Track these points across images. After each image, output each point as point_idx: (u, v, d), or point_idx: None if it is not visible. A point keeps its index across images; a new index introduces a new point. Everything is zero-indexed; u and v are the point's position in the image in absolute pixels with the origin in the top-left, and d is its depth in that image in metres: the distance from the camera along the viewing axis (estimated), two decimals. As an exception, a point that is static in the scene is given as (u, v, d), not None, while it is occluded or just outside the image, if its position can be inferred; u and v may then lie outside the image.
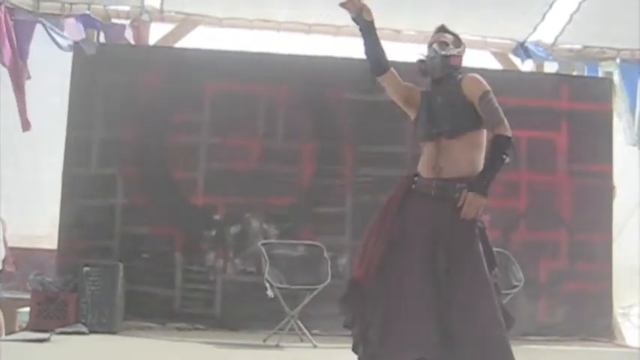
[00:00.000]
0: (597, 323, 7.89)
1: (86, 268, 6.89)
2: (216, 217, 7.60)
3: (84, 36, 7.66)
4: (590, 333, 7.80)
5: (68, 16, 7.72)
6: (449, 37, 4.26)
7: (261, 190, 7.60)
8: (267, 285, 6.65)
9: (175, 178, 7.61)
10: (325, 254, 7.05)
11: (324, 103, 7.81)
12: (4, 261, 7.35)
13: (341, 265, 7.48)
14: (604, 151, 8.18)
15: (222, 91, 7.68)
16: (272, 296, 6.63)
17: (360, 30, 4.26)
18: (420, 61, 4.27)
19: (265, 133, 7.75)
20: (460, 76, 4.17)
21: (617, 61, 8.56)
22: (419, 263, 3.94)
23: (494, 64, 8.53)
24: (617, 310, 8.28)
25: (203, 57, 7.73)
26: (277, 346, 6.54)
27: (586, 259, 7.93)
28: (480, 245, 4.00)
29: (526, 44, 8.45)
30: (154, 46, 8.11)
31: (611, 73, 8.53)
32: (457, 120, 4.09)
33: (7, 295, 7.49)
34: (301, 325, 6.70)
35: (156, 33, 8.18)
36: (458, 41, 4.29)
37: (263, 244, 7.11)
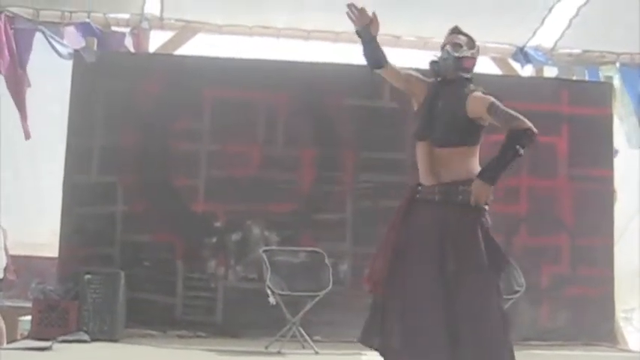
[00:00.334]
0: (599, 328, 7.86)
1: (87, 276, 6.88)
2: (217, 224, 7.60)
3: (84, 44, 7.67)
4: (593, 338, 7.78)
5: (68, 24, 7.74)
6: (462, 39, 4.26)
7: (261, 197, 7.60)
8: (269, 292, 6.64)
9: (176, 186, 7.60)
10: (326, 261, 7.03)
11: (323, 109, 7.81)
12: (5, 269, 7.36)
13: (342, 272, 7.48)
14: (605, 156, 8.17)
15: (222, 98, 7.68)
16: (274, 303, 6.62)
17: (362, 41, 4.27)
18: (433, 62, 4.27)
19: (265, 140, 7.75)
20: (471, 87, 4.15)
21: (617, 65, 8.57)
22: (429, 269, 3.95)
23: (493, 70, 8.53)
24: (619, 314, 8.27)
25: (203, 64, 7.74)
26: (279, 353, 6.53)
27: (587, 263, 7.91)
28: (482, 246, 4.00)
29: (525, 49, 8.46)
30: (154, 54, 8.12)
31: (611, 78, 8.53)
32: (449, 132, 4.10)
33: (8, 303, 7.49)
34: (303, 331, 6.69)
35: (156, 40, 8.18)
36: (472, 43, 4.28)
37: (264, 251, 7.10)
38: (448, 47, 4.22)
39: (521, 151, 4.01)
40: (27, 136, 7.44)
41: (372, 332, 4.11)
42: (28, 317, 6.98)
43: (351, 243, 7.57)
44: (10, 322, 7.29)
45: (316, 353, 6.57)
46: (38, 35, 7.49)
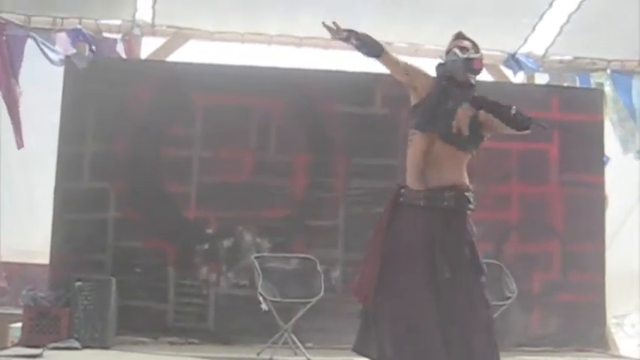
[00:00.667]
0: (591, 334, 7.88)
1: (78, 283, 6.86)
2: (209, 230, 7.58)
3: (75, 50, 7.66)
4: (584, 343, 7.78)
5: (59, 30, 7.72)
6: (467, 44, 4.30)
7: (253, 203, 7.60)
8: (261, 298, 6.63)
9: (168, 192, 7.59)
10: (318, 267, 7.03)
11: (315, 115, 7.81)
12: (-5, 276, 7.35)
13: (334, 279, 7.47)
14: (596, 162, 8.19)
15: (213, 105, 7.68)
16: (266, 310, 6.62)
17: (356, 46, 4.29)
18: (440, 64, 4.29)
19: (257, 146, 7.74)
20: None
21: (608, 71, 8.59)
22: (418, 277, 3.97)
23: (485, 76, 8.53)
24: (611, 320, 8.28)
25: (195, 70, 7.74)
26: (271, 360, 6.54)
27: (579, 269, 7.92)
28: (468, 253, 4.04)
29: (517, 56, 8.48)
30: (146, 60, 8.11)
31: (602, 84, 8.56)
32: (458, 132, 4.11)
33: (-1, 310, 7.48)
34: (295, 338, 6.68)
35: (147, 47, 8.17)
36: (477, 47, 4.33)
37: (256, 258, 7.09)
38: (456, 50, 4.25)
39: (514, 111, 4.05)
40: (19, 145, 7.44)
41: (366, 341, 4.11)
42: (19, 324, 6.95)
43: (343, 249, 7.56)
44: (1, 329, 7.27)
45: (308, 360, 6.58)
46: (29, 42, 7.48)
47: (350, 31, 4.20)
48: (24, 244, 7.83)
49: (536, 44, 8.43)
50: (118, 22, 7.99)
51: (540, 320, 7.84)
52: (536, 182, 8.01)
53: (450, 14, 7.48)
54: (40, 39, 7.50)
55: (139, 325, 7.30)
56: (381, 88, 7.65)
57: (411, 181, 4.17)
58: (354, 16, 6.40)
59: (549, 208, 8.04)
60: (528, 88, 8.60)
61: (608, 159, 8.25)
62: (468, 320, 3.93)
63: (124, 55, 7.97)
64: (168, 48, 8.16)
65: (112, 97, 7.56)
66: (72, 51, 7.64)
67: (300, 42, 8.23)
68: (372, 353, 4.11)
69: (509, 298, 6.94)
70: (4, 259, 7.50)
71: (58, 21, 7.77)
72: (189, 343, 7.27)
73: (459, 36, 4.39)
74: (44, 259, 7.49)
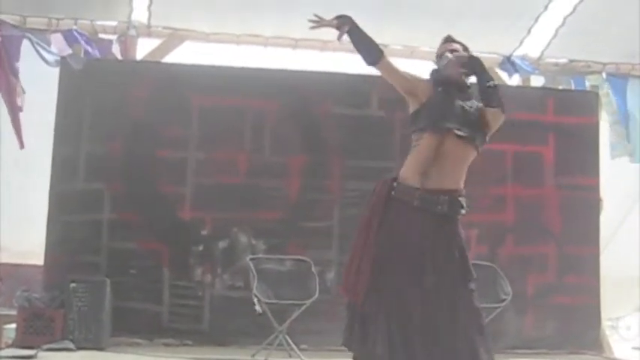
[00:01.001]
0: (586, 336, 7.89)
1: (73, 284, 6.85)
2: (204, 232, 7.58)
3: (70, 51, 7.65)
4: (579, 346, 7.80)
5: (55, 31, 7.72)
6: (457, 46, 4.31)
7: (248, 205, 7.60)
8: (256, 300, 6.63)
9: (163, 193, 7.59)
10: (313, 269, 7.03)
11: (311, 117, 7.81)
12: (-12, 277, 7.33)
13: (328, 280, 7.48)
14: (591, 164, 8.20)
15: (209, 106, 7.68)
16: (260, 311, 6.62)
17: (351, 38, 4.29)
18: (434, 70, 4.30)
19: (253, 147, 7.74)
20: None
21: (603, 74, 8.61)
22: (412, 278, 3.96)
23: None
24: (606, 322, 8.30)
25: (190, 72, 7.73)
26: (265, 362, 6.53)
27: (574, 272, 7.93)
28: (458, 257, 4.04)
29: (512, 58, 8.49)
30: (141, 61, 8.09)
31: (597, 87, 8.57)
32: (473, 127, 4.12)
33: (-7, 311, 7.45)
34: (289, 340, 6.67)
35: (143, 48, 8.15)
36: (467, 50, 4.33)
37: (251, 259, 7.09)
38: (448, 54, 4.26)
39: (492, 85, 4.17)
40: (20, 146, 7.43)
41: (352, 338, 4.10)
42: (13, 325, 6.94)
43: (337, 251, 7.56)
44: (-5, 330, 7.25)
45: (303, 362, 6.58)
46: (24, 42, 7.47)
47: (341, 18, 4.21)
48: (18, 244, 7.82)
49: (532, 47, 8.45)
50: (113, 23, 7.98)
51: (535, 323, 7.84)
52: (531, 185, 8.02)
53: (445, 16, 7.48)
54: (35, 40, 7.49)
55: (133, 326, 7.29)
56: (376, 90, 7.65)
57: (410, 175, 4.11)
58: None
59: (544, 210, 8.04)
60: (524, 90, 8.61)
61: None
62: (452, 329, 3.92)
63: (119, 56, 7.96)
64: (164, 49, 8.15)
65: (107, 98, 7.55)
66: (67, 52, 7.62)
67: (295, 44, 8.23)
68: (356, 349, 4.09)
69: (503, 300, 6.93)
70: (-2, 260, 7.49)
71: (54, 22, 7.76)
72: (184, 345, 7.27)
73: (448, 39, 4.39)
74: (39, 260, 7.47)
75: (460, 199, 4.15)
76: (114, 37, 7.98)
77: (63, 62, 7.54)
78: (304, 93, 7.77)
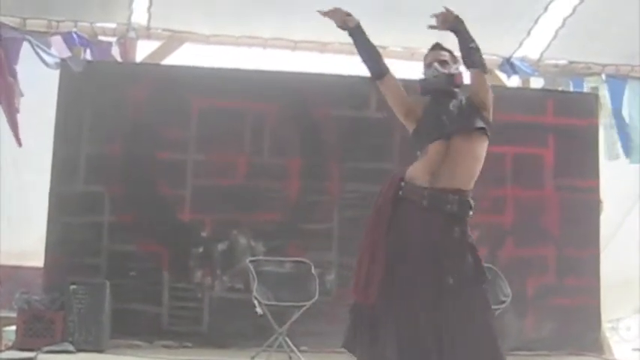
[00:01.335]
0: (586, 338, 7.88)
1: (73, 286, 6.85)
2: (204, 234, 7.58)
3: (70, 53, 7.65)
4: (579, 347, 7.79)
5: (55, 33, 7.72)
6: (446, 55, 4.30)
7: (248, 207, 7.59)
8: (256, 302, 6.63)
9: (162, 195, 7.59)
10: (313, 271, 7.03)
11: (310, 119, 7.81)
12: (-13, 279, 7.32)
13: (328, 282, 7.48)
14: (591, 166, 8.19)
15: (208, 108, 7.68)
16: (260, 313, 6.62)
17: (349, 35, 4.29)
18: (422, 80, 4.29)
19: (252, 149, 7.74)
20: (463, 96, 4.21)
21: (603, 76, 8.61)
22: (424, 281, 3.93)
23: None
24: (606, 324, 8.29)
25: (190, 74, 7.74)
26: (265, 364, 6.53)
27: (574, 274, 7.93)
28: (470, 258, 4.02)
29: (512, 60, 8.49)
30: (141, 63, 8.10)
31: (596, 89, 8.57)
32: (472, 118, 4.11)
33: (-7, 313, 7.45)
34: (289, 342, 6.67)
35: (143, 50, 8.16)
36: (454, 58, 4.33)
37: (251, 261, 7.08)
38: (436, 65, 4.25)
39: (474, 46, 4.25)
40: (19, 143, 7.42)
41: (356, 341, 4.08)
42: (13, 327, 6.94)
43: (337, 253, 7.56)
44: (-5, 332, 7.25)
45: (303, 364, 6.57)
46: (24, 44, 7.47)
47: (349, 16, 4.22)
48: (18, 246, 7.81)
49: (532, 48, 8.45)
50: (113, 25, 7.99)
51: (535, 324, 7.84)
52: (531, 186, 8.01)
53: (445, 18, 7.47)
54: (35, 42, 7.49)
55: (133, 328, 7.28)
56: (375, 91, 7.53)
57: (420, 175, 4.07)
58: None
59: (544, 212, 8.04)
60: (523, 92, 8.61)
61: None
62: (469, 330, 3.90)
63: (119, 58, 7.97)
64: (164, 51, 8.16)
65: (107, 100, 7.56)
66: (67, 54, 7.63)
67: (295, 45, 8.24)
68: (363, 352, 4.07)
69: (503, 302, 6.93)
70: (-2, 262, 7.48)
71: (54, 24, 7.76)
72: (184, 347, 7.27)
73: (437, 47, 4.38)
74: (38, 261, 7.47)
75: (469, 199, 4.13)
76: (114, 40, 7.98)
77: (63, 64, 7.54)
78: (303, 95, 7.77)
